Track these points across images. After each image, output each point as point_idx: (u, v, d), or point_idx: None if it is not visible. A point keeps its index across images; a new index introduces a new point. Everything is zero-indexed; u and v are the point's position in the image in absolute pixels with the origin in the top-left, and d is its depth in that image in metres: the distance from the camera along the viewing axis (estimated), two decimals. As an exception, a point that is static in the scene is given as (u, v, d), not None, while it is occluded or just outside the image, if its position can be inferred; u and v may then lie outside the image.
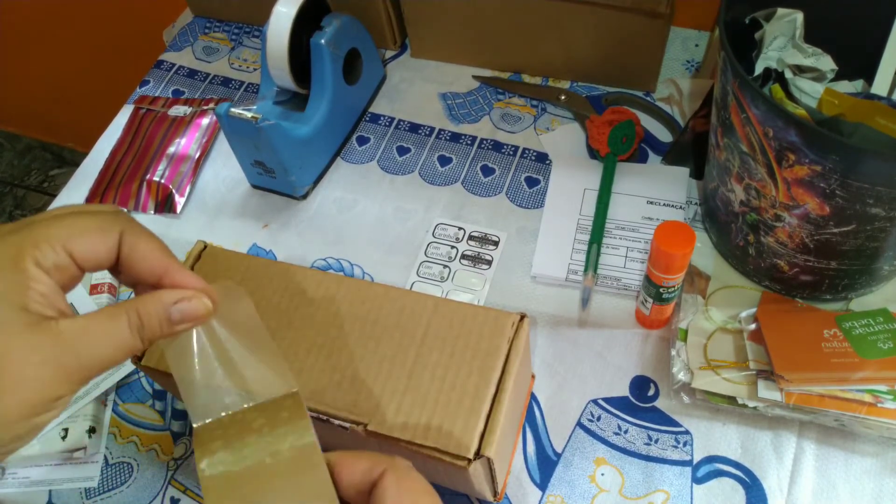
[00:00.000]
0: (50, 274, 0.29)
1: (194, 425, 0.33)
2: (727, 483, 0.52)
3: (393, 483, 0.30)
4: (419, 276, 0.64)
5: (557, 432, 0.55)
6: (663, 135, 0.71)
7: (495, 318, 0.45)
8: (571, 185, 0.67)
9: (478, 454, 0.41)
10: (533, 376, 0.57)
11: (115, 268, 0.32)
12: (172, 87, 0.83)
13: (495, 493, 0.49)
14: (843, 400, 0.49)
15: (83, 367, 0.28)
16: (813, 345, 0.51)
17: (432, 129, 0.75)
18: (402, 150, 0.73)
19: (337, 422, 0.43)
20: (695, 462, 0.53)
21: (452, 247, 0.66)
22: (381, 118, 0.76)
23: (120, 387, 0.61)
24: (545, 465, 0.54)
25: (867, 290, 0.57)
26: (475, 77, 0.78)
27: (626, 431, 0.55)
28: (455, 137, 0.74)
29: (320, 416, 0.43)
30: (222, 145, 0.76)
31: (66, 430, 0.57)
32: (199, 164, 0.74)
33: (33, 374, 0.27)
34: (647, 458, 0.53)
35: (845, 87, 0.60)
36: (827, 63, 0.58)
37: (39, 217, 0.30)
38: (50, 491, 0.57)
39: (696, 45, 0.77)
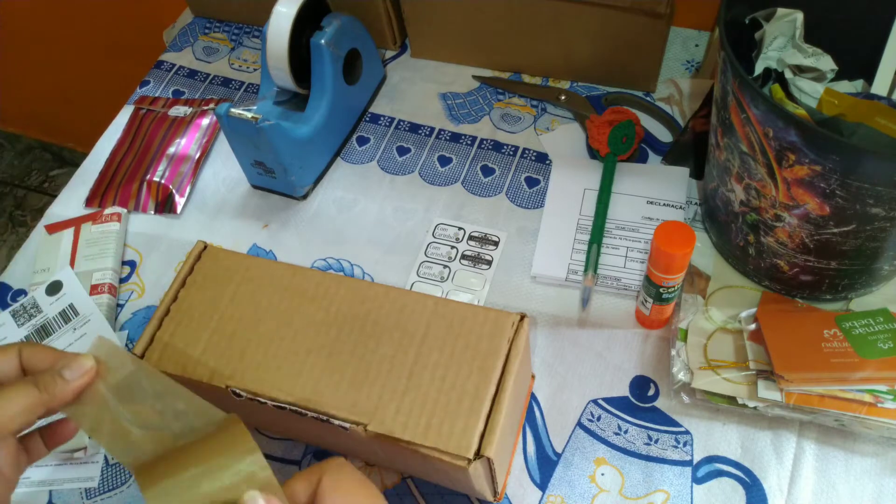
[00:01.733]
0: None
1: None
2: (727, 483, 0.52)
3: (328, 485, 0.35)
4: (419, 276, 0.64)
5: (557, 432, 0.55)
6: (663, 135, 0.71)
7: (495, 318, 0.45)
8: (571, 185, 0.67)
9: (478, 454, 0.41)
10: (533, 376, 0.57)
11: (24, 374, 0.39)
12: (172, 88, 0.83)
13: (495, 493, 0.49)
14: (843, 400, 0.49)
15: None
16: (813, 345, 0.51)
17: (432, 129, 0.75)
18: (402, 150, 0.73)
19: (337, 422, 0.43)
20: (695, 462, 0.53)
21: (452, 247, 0.66)
22: (381, 118, 0.76)
23: (120, 387, 0.61)
24: (545, 465, 0.54)
25: (867, 290, 0.57)
26: (475, 77, 0.78)
27: (626, 431, 0.55)
28: (455, 137, 0.74)
29: (320, 416, 0.43)
30: (222, 145, 0.76)
31: (66, 430, 0.57)
32: (199, 165, 0.74)
33: None
34: (647, 458, 0.53)
35: (845, 87, 0.60)
36: (827, 63, 0.58)
37: None
38: (50, 491, 0.57)
39: (696, 45, 0.77)
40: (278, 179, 0.68)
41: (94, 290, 0.64)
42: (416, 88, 0.78)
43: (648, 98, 0.74)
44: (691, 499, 0.51)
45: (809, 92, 0.58)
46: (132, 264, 0.69)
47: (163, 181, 0.73)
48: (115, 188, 0.73)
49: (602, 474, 0.53)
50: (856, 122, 0.53)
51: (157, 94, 0.82)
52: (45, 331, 0.62)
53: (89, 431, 0.38)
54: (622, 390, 0.56)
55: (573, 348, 0.59)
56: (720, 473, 0.52)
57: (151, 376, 0.39)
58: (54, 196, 0.75)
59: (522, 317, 0.45)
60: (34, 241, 0.71)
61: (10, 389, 0.37)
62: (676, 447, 0.53)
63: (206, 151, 0.75)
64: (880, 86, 0.57)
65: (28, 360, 0.39)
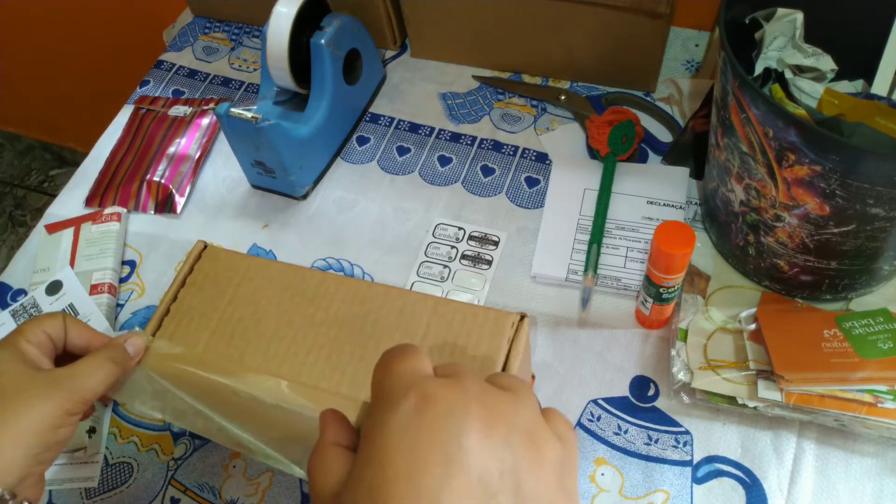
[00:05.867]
0: (37, 347, 0.42)
1: None
2: (727, 483, 0.52)
3: None
4: (419, 276, 0.64)
5: (557, 432, 0.55)
6: (663, 135, 0.71)
7: (495, 318, 0.45)
8: (571, 185, 0.67)
9: (478, 454, 0.40)
10: (533, 376, 0.57)
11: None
12: (173, 87, 0.83)
13: (495, 493, 0.49)
14: (843, 400, 0.49)
15: (76, 393, 0.41)
16: (813, 345, 0.51)
17: (432, 129, 0.75)
18: (402, 150, 0.73)
19: (337, 422, 0.43)
20: (695, 462, 0.53)
21: (452, 247, 0.66)
22: (381, 118, 0.76)
23: (120, 387, 0.61)
24: (545, 465, 0.54)
25: (867, 290, 0.57)
26: (475, 77, 0.78)
27: (626, 431, 0.55)
28: (455, 137, 0.74)
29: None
30: (222, 145, 0.76)
31: (66, 430, 0.57)
32: (199, 164, 0.74)
33: (38, 405, 0.39)
34: (647, 458, 0.53)
35: (845, 87, 0.60)
36: (827, 63, 0.58)
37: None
38: (50, 491, 0.57)
39: (696, 45, 0.77)
40: (278, 179, 0.68)
41: (94, 289, 0.64)
42: (416, 88, 0.78)
43: (648, 98, 0.74)
44: (691, 499, 0.51)
45: (809, 92, 0.58)
46: (132, 264, 0.69)
47: (163, 181, 0.73)
48: (114, 188, 0.73)
49: (602, 474, 0.53)
50: (856, 122, 0.53)
51: (157, 94, 0.82)
52: (45, 331, 0.62)
53: (123, 399, 0.46)
54: (622, 390, 0.56)
55: (573, 348, 0.59)
56: (720, 473, 0.52)
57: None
58: (54, 196, 0.75)
59: (522, 316, 0.45)
60: (34, 240, 0.71)
61: (93, 361, 0.43)
62: (676, 447, 0.53)
63: (206, 151, 0.75)
64: (880, 86, 0.57)
65: (69, 330, 0.44)
